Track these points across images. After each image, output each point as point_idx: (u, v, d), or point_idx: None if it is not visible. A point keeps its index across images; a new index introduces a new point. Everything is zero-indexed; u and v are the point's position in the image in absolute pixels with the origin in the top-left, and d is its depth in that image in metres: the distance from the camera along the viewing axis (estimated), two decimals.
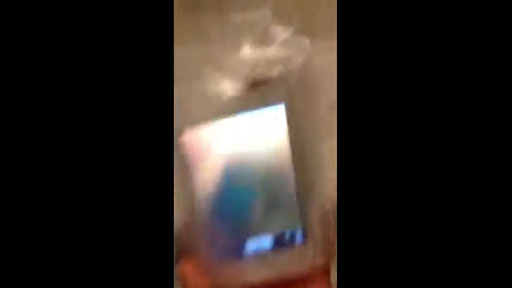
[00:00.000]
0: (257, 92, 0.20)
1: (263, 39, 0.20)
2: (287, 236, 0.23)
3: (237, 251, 0.23)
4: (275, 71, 0.20)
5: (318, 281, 0.23)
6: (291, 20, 0.19)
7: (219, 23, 0.20)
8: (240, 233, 0.23)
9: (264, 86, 0.20)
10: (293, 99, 0.21)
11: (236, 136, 0.21)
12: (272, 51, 0.20)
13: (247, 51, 0.20)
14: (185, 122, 0.21)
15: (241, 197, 0.22)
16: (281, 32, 0.20)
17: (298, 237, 0.23)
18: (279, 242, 0.23)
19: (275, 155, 0.22)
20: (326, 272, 0.24)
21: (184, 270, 0.23)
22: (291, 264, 0.23)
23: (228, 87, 0.20)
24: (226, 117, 0.21)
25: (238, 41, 0.20)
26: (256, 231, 0.23)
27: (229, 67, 0.20)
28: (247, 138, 0.21)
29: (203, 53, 0.20)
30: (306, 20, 0.20)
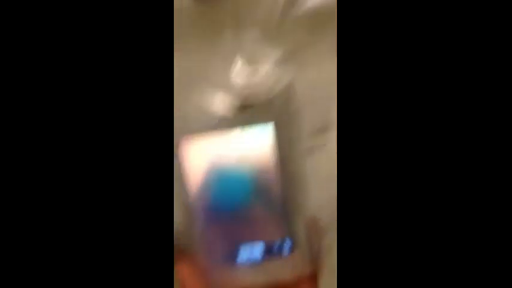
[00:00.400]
0: (246, 114, 0.22)
1: (253, 59, 0.22)
2: (276, 246, 0.25)
3: (231, 258, 0.25)
4: (262, 96, 0.22)
5: (304, 287, 0.25)
6: (279, 42, 0.21)
7: (212, 43, 0.22)
8: (233, 241, 0.25)
9: (252, 108, 0.22)
10: (279, 120, 0.23)
11: (228, 151, 0.23)
12: (261, 74, 0.22)
13: (238, 71, 0.22)
14: (180, 134, 0.23)
15: (232, 208, 0.24)
16: (271, 53, 0.22)
17: (286, 247, 0.25)
18: (269, 251, 0.25)
19: (263, 170, 0.24)
20: (313, 279, 0.26)
21: (182, 272, 0.24)
22: (280, 272, 0.25)
23: (220, 105, 0.22)
24: (218, 132, 0.23)
25: (230, 59, 0.22)
26: (248, 241, 0.25)
27: (222, 87, 0.22)
28: (238, 153, 0.23)
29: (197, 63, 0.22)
30: (293, 43, 0.22)
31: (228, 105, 0.22)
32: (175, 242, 0.25)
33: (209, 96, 0.22)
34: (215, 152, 0.24)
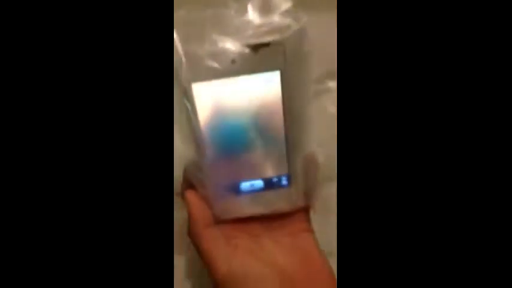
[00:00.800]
0: (257, 55, 0.23)
1: (265, 8, 0.22)
2: (275, 180, 0.27)
3: (234, 189, 0.27)
4: (274, 37, 0.22)
5: (298, 216, 0.28)
6: None
7: None
8: (237, 174, 0.27)
9: (263, 49, 0.23)
10: (288, 64, 0.23)
11: (236, 94, 0.24)
12: (272, 19, 0.22)
13: (250, 17, 0.22)
14: (191, 78, 0.24)
15: (238, 145, 0.26)
16: (281, 3, 0.21)
17: (284, 181, 0.27)
18: (268, 184, 0.27)
19: (269, 113, 0.25)
20: (306, 210, 0.28)
21: (190, 199, 0.26)
22: (277, 202, 0.27)
23: (231, 49, 0.22)
24: (228, 76, 0.24)
25: (242, 7, 0.22)
26: (250, 175, 0.27)
27: (233, 31, 0.22)
28: (246, 96, 0.24)
29: (209, 16, 0.22)
30: None
31: (242, 45, 0.22)
32: (184, 174, 0.27)
33: (222, 40, 0.22)
34: (224, 95, 0.24)
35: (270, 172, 0.27)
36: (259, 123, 0.25)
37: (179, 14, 0.22)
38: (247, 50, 0.22)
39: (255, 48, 0.22)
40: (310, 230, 0.28)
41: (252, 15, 0.22)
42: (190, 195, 0.27)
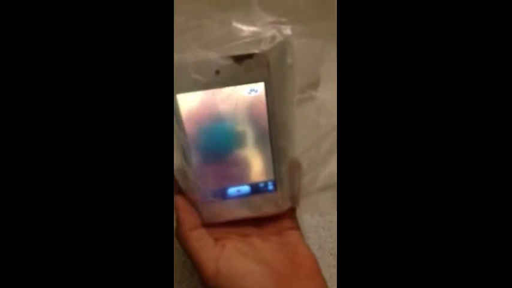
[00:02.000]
0: (241, 66, 0.23)
1: (248, 19, 0.22)
2: (261, 185, 0.28)
3: (221, 194, 0.28)
4: (258, 48, 0.23)
5: (285, 215, 0.29)
6: (275, 9, 0.21)
7: (210, 4, 0.21)
8: (223, 180, 0.27)
9: (247, 60, 0.23)
10: (272, 75, 0.24)
11: (221, 104, 0.24)
12: (256, 31, 0.22)
13: (234, 28, 0.22)
14: (176, 89, 0.24)
15: (224, 153, 0.26)
16: (265, 16, 0.22)
17: (270, 186, 0.28)
18: (255, 189, 0.28)
19: (254, 122, 0.25)
20: (292, 210, 0.29)
21: (178, 203, 0.27)
22: (264, 206, 0.28)
23: (215, 60, 0.22)
24: (213, 87, 0.24)
25: (226, 18, 0.22)
26: (237, 181, 0.27)
27: (217, 42, 0.23)
28: (231, 106, 0.25)
29: (192, 27, 0.22)
30: (287, 9, 0.22)
31: (226, 57, 0.22)
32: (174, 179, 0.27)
33: (206, 51, 0.22)
34: (209, 105, 0.24)
35: (256, 178, 0.27)
36: (245, 132, 0.26)
37: None
38: (231, 62, 0.23)
39: (239, 59, 0.23)
40: (297, 228, 0.29)
41: (236, 26, 0.22)
42: (178, 199, 0.27)
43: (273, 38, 0.23)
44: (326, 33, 0.23)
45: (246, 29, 0.22)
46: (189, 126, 0.25)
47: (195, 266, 0.26)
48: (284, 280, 0.26)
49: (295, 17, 0.21)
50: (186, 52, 0.22)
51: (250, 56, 0.23)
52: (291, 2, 0.21)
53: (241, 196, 0.28)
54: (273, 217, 0.29)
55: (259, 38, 0.22)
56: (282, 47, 0.23)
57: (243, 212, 0.28)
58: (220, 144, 0.26)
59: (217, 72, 0.23)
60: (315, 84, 0.24)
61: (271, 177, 0.27)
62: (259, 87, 0.24)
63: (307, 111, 0.25)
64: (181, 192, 0.28)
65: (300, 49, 0.22)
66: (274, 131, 0.25)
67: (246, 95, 0.24)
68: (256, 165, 0.27)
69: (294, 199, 0.29)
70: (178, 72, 0.23)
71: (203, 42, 0.22)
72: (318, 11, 0.22)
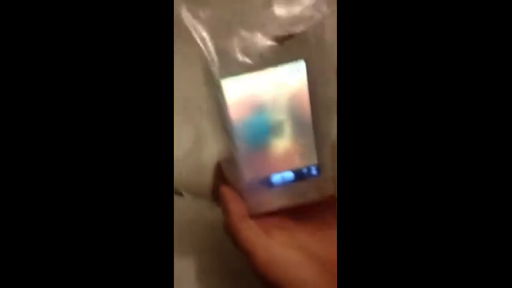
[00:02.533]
0: (283, 47, 0.24)
1: (288, 1, 0.23)
2: (304, 170, 0.28)
3: (266, 183, 0.27)
4: (298, 28, 0.23)
5: (327, 204, 0.28)
6: None
7: None
8: (268, 167, 0.27)
9: (288, 40, 0.24)
10: (312, 53, 0.24)
11: (265, 87, 0.25)
12: (295, 12, 0.24)
13: (274, 10, 0.23)
14: (221, 74, 0.24)
15: (268, 138, 0.26)
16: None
17: (314, 171, 0.28)
18: (298, 175, 0.28)
19: (296, 102, 0.26)
20: (333, 203, 0.29)
21: (226, 193, 0.27)
22: (308, 192, 0.28)
23: (259, 43, 0.23)
24: (257, 70, 0.24)
25: (267, 1, 0.23)
26: (280, 167, 0.27)
27: (259, 25, 0.23)
28: (274, 88, 0.25)
29: (235, 12, 0.23)
30: None
31: (268, 39, 0.23)
32: (218, 170, 0.27)
33: (249, 34, 0.23)
34: (253, 88, 0.25)
35: (299, 163, 0.27)
36: (287, 114, 0.26)
37: (207, 13, 0.23)
38: (273, 43, 0.24)
39: (281, 40, 0.23)
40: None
41: (277, 8, 0.23)
42: (224, 190, 0.27)
43: (311, 17, 0.24)
44: None
45: (286, 11, 0.23)
46: (234, 112, 0.25)
47: (245, 254, 0.26)
48: (332, 272, 0.25)
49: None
50: (231, 37, 0.23)
51: (291, 36, 0.23)
52: None
53: (286, 183, 0.28)
54: (315, 211, 0.28)
55: (299, 18, 0.23)
56: (320, 26, 0.24)
57: (288, 200, 0.28)
58: (264, 129, 0.26)
59: (261, 55, 0.24)
60: None
61: (314, 161, 0.27)
62: (301, 66, 0.25)
63: None
64: (225, 183, 0.28)
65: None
66: (316, 112, 0.26)
67: (288, 75, 0.25)
68: (299, 150, 0.27)
69: (335, 183, 0.28)
70: (223, 57, 0.24)
71: (246, 26, 0.23)
72: None
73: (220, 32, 0.23)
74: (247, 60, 0.24)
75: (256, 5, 0.23)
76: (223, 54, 0.23)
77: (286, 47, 0.24)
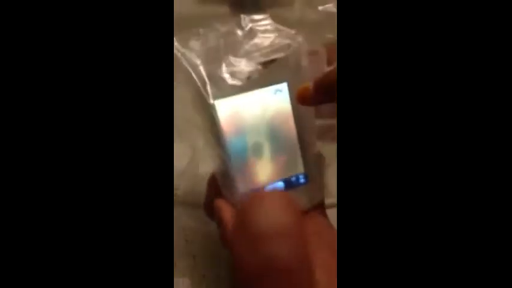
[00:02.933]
0: (267, 70, 0.27)
1: (267, 32, 0.27)
2: (293, 179, 0.31)
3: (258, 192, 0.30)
4: (278, 55, 0.27)
5: (316, 210, 0.31)
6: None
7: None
8: (259, 179, 0.30)
9: (271, 65, 0.28)
10: (292, 76, 0.28)
11: (253, 105, 0.29)
12: (274, 41, 0.28)
13: (256, 40, 0.27)
14: (214, 96, 0.27)
15: (258, 151, 0.29)
16: (280, 28, 0.27)
17: (302, 179, 0.31)
18: (288, 184, 0.31)
19: (281, 118, 0.29)
20: (322, 204, 0.32)
21: (219, 205, 0.29)
22: (299, 200, 0.31)
23: (246, 68, 0.27)
24: (245, 91, 0.28)
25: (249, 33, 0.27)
26: (271, 178, 0.30)
27: (244, 53, 0.27)
28: (261, 106, 0.29)
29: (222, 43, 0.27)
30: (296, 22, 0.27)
31: (254, 64, 0.27)
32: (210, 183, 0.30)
33: (237, 61, 0.27)
34: (243, 107, 0.28)
35: (288, 173, 0.30)
36: (274, 129, 0.29)
37: (194, 44, 0.27)
38: (259, 67, 0.27)
39: (265, 64, 0.27)
40: (331, 226, 0.31)
41: (259, 39, 0.27)
42: (218, 202, 0.29)
43: (289, 45, 0.28)
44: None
45: (268, 40, 0.27)
46: (226, 128, 0.28)
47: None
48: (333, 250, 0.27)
49: (305, 28, 0.27)
50: (220, 63, 0.27)
51: (273, 61, 0.27)
52: (298, 16, 0.27)
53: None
54: (307, 219, 0.31)
55: (278, 47, 0.27)
56: (297, 52, 0.28)
57: None
58: (254, 143, 0.29)
59: (248, 77, 0.27)
60: None
61: (301, 170, 0.31)
62: (283, 87, 0.28)
63: None
64: (219, 196, 0.30)
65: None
66: (299, 125, 0.29)
67: (273, 95, 0.28)
68: (286, 161, 0.30)
69: (323, 190, 0.32)
70: (216, 81, 0.27)
71: (233, 54, 0.27)
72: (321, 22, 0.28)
73: (210, 59, 0.27)
74: (236, 82, 0.27)
75: (241, 36, 0.27)
76: (214, 78, 0.27)
77: (269, 71, 0.28)
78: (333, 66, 0.24)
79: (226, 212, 0.29)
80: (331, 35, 0.28)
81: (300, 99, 0.27)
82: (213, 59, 0.27)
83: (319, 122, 0.30)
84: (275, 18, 0.27)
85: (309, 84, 0.25)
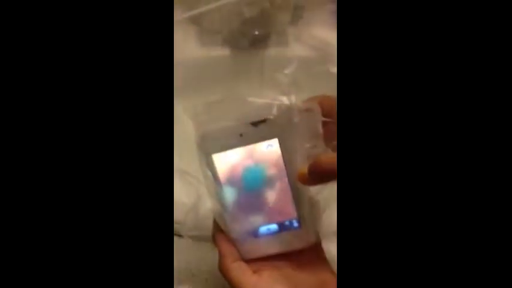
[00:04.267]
0: (258, 128, 0.30)
1: (260, 95, 0.30)
2: (287, 223, 0.33)
3: (253, 233, 0.33)
4: (270, 114, 0.30)
5: (311, 251, 0.34)
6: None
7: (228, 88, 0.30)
8: (255, 221, 0.33)
9: (263, 124, 0.30)
10: (283, 132, 0.30)
11: (247, 159, 0.31)
12: (267, 100, 0.30)
13: (249, 99, 0.30)
14: (211, 150, 0.31)
15: (253, 198, 0.33)
16: (273, 86, 0.29)
17: (295, 223, 0.33)
18: (282, 227, 0.33)
19: (274, 170, 0.32)
20: (318, 245, 0.34)
21: (219, 239, 0.33)
22: (292, 242, 0.33)
23: (239, 126, 0.30)
24: (239, 146, 0.31)
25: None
26: (266, 221, 0.33)
27: (239, 113, 0.30)
28: (255, 160, 0.31)
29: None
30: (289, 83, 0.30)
31: (247, 124, 0.30)
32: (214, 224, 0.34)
33: (231, 120, 0.30)
34: (238, 160, 0.32)
35: (282, 217, 0.33)
36: (268, 179, 0.32)
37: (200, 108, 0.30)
38: (251, 126, 0.30)
39: (256, 124, 0.30)
40: (323, 258, 0.34)
41: (254, 99, 0.30)
42: (219, 236, 0.33)
43: (280, 105, 0.30)
44: None
45: (259, 101, 0.30)
46: (223, 179, 0.32)
47: None
48: None
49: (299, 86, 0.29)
50: (218, 124, 0.30)
51: (264, 121, 0.30)
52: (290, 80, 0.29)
53: (271, 234, 0.33)
54: (302, 251, 0.34)
55: (270, 106, 0.30)
56: (288, 111, 0.30)
57: (274, 248, 0.34)
58: (249, 191, 0.32)
59: (241, 135, 0.30)
60: (316, 137, 0.31)
61: (295, 215, 0.33)
62: (275, 142, 0.31)
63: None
64: (221, 230, 0.34)
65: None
66: (291, 175, 0.32)
67: (265, 149, 0.31)
68: (281, 206, 0.33)
69: (317, 233, 0.34)
70: (213, 138, 0.30)
71: (229, 116, 0.30)
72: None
73: (206, 120, 0.30)
74: (230, 140, 0.30)
75: (238, 97, 0.30)
76: (211, 135, 0.30)
77: (261, 128, 0.30)
78: (332, 155, 0.26)
79: (224, 245, 0.33)
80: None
81: (300, 180, 0.30)
82: (209, 120, 0.30)
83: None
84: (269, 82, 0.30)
85: (305, 170, 0.28)
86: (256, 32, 0.45)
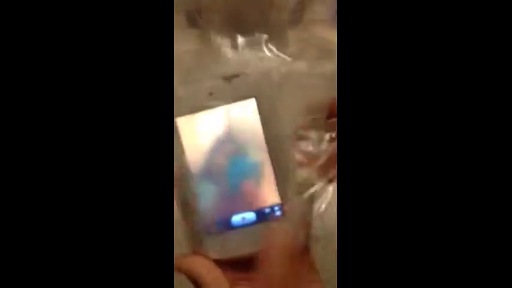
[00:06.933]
0: (231, 85, 0.25)
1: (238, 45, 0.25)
2: (267, 211, 0.27)
3: (225, 224, 0.26)
4: (247, 69, 0.25)
5: (302, 266, 0.26)
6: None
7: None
8: (227, 208, 0.27)
9: (236, 79, 0.25)
10: (261, 92, 0.25)
11: (218, 124, 0.26)
12: (245, 55, 0.25)
13: (226, 53, 0.25)
14: (178, 112, 0.26)
15: (225, 177, 0.26)
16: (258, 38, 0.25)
17: (277, 212, 0.26)
18: (261, 216, 0.27)
19: (251, 140, 0.26)
20: (306, 251, 0.27)
21: (191, 262, 0.26)
22: (273, 236, 0.26)
23: (207, 82, 0.25)
24: (208, 108, 0.26)
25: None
26: (241, 207, 0.27)
27: (212, 67, 0.25)
28: (227, 125, 0.26)
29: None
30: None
31: (217, 78, 0.25)
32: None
33: (201, 76, 0.25)
34: (207, 127, 0.26)
35: (261, 203, 0.26)
36: (244, 152, 0.26)
37: None
38: (221, 82, 0.25)
39: (228, 79, 0.25)
40: (319, 281, 0.27)
41: (225, 51, 0.25)
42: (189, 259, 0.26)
43: (261, 59, 0.25)
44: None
45: (235, 54, 0.25)
46: (189, 150, 0.26)
47: None
48: None
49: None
50: (183, 80, 0.25)
51: (237, 76, 0.25)
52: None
53: (247, 225, 0.27)
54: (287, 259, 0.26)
55: (247, 60, 0.25)
56: (268, 67, 0.25)
57: (250, 246, 0.26)
58: (220, 168, 0.26)
59: (211, 93, 0.25)
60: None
61: (277, 200, 0.26)
62: (251, 103, 0.25)
63: None
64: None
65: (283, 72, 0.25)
66: (273, 149, 0.26)
67: (240, 113, 0.25)
68: (259, 189, 0.26)
69: (306, 232, 0.27)
70: (177, 97, 0.25)
71: (197, 69, 0.25)
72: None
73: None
74: (196, 100, 0.25)
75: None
76: (177, 93, 0.25)
77: (234, 86, 0.25)
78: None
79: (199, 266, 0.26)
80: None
81: None
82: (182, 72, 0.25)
83: None
84: None
85: None
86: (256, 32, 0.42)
